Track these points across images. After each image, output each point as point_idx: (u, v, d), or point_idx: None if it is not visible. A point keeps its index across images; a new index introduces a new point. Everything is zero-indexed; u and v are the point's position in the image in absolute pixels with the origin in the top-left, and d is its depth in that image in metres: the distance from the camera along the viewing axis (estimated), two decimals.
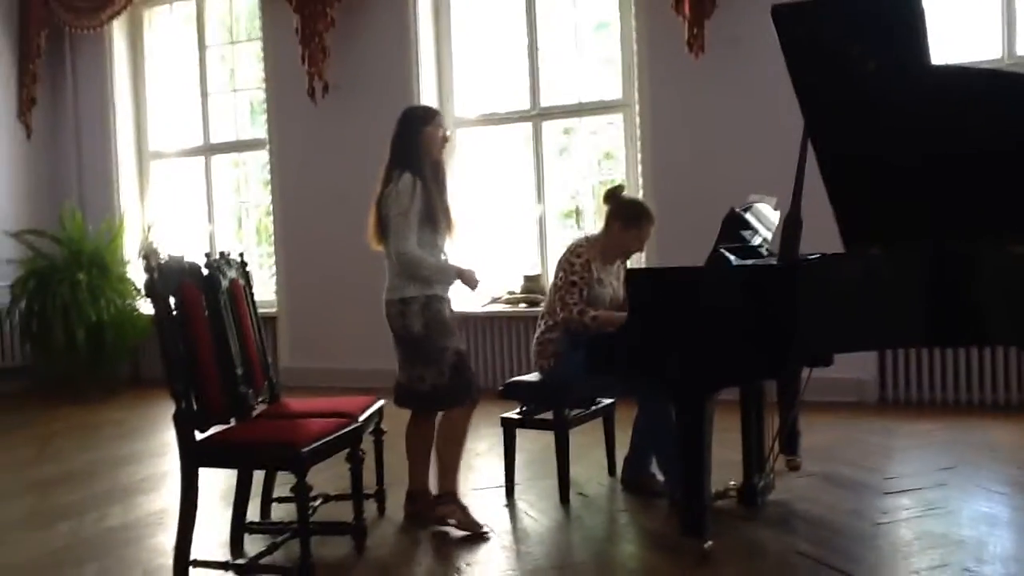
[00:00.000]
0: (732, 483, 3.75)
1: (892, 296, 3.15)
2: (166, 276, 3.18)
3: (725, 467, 3.86)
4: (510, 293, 6.83)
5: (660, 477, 3.89)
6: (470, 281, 3.68)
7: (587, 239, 4.00)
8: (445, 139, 3.70)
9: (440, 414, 3.68)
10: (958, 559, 3.09)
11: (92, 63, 8.18)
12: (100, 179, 8.22)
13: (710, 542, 3.17)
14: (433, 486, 3.74)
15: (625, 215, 3.91)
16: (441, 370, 3.55)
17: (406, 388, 3.65)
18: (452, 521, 3.59)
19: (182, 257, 3.36)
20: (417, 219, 3.53)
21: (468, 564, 3.26)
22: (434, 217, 3.59)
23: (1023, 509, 3.60)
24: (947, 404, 5.63)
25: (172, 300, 3.16)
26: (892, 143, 3.46)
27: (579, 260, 3.87)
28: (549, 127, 6.91)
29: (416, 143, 3.61)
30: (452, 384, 3.56)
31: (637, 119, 6.35)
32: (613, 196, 3.98)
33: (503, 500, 3.93)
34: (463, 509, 3.61)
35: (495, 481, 4.21)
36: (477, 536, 3.52)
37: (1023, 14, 5.60)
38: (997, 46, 5.63)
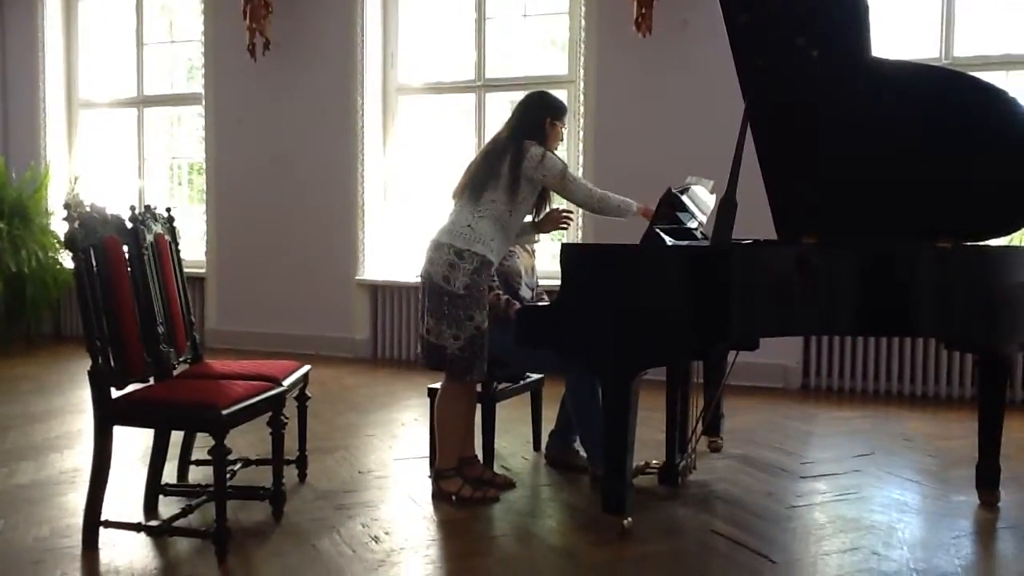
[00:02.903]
0: (654, 462, 3.79)
1: (822, 285, 3.19)
2: (88, 227, 3.07)
3: (649, 446, 3.90)
4: None
5: (583, 453, 3.92)
6: (648, 215, 3.66)
7: None
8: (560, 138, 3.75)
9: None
10: (868, 543, 3.17)
11: (22, 4, 7.84)
12: (26, 126, 7.92)
13: (629, 519, 3.20)
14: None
15: None
16: (458, 335, 3.49)
17: (426, 340, 3.57)
18: (456, 497, 3.56)
19: (105, 208, 3.25)
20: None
21: (387, 532, 3.24)
22: (540, 204, 3.75)
23: (932, 497, 3.71)
24: (867, 393, 5.78)
25: (93, 252, 3.05)
26: (830, 134, 3.51)
27: None
28: (493, 99, 6.85)
29: (544, 131, 3.63)
30: (461, 355, 3.50)
31: (581, 95, 6.34)
32: None
33: (427, 471, 3.91)
34: (467, 481, 3.60)
35: (420, 452, 4.20)
36: (490, 500, 3.57)
37: (961, 15, 5.72)
38: (935, 46, 5.75)
